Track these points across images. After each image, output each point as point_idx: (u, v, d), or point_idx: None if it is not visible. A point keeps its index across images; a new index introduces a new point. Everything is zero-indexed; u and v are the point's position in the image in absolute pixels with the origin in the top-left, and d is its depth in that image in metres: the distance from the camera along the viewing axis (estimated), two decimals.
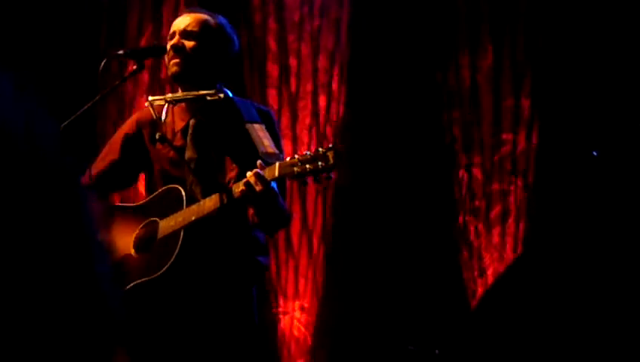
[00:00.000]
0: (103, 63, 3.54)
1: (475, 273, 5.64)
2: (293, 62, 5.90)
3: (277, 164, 3.19)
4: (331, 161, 3.08)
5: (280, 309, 5.80)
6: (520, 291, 5.41)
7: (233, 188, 3.30)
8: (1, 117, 0.96)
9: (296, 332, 5.78)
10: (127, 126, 3.77)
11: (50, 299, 0.96)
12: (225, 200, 3.31)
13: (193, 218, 3.36)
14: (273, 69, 5.91)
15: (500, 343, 5.33)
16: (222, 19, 3.69)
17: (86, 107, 3.51)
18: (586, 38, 5.51)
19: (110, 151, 3.76)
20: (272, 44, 5.92)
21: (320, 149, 3.12)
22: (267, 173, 3.20)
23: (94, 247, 1.02)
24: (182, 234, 3.37)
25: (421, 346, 5.46)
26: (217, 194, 3.33)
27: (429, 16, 5.81)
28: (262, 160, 3.23)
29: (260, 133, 3.36)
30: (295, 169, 3.14)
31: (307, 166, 3.11)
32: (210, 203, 3.35)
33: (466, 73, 5.76)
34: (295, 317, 5.80)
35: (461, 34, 5.80)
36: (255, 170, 3.19)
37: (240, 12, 5.79)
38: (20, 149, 0.97)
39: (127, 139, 3.71)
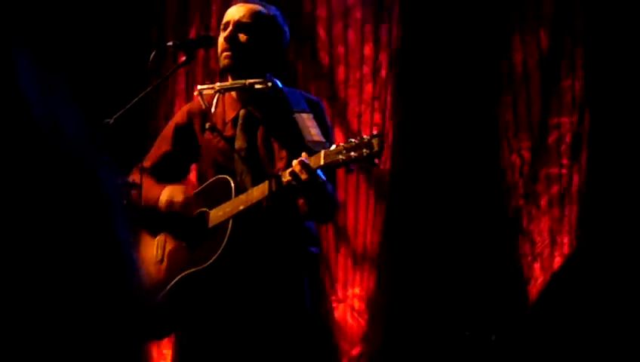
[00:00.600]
0: (152, 55, 3.57)
1: (529, 258, 5.61)
2: (341, 50, 5.90)
3: (322, 152, 3.20)
4: (376, 147, 3.09)
5: (335, 297, 5.81)
6: (579, 283, 5.38)
7: (280, 177, 3.32)
8: (29, 112, 0.98)
9: (351, 320, 5.79)
10: (178, 117, 3.80)
11: (73, 295, 0.97)
12: (272, 189, 3.33)
13: (241, 207, 3.38)
14: (323, 58, 5.92)
15: (557, 334, 5.31)
16: (275, 11, 3.70)
17: (136, 99, 3.54)
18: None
19: (163, 142, 3.78)
20: (322, 32, 5.93)
21: (365, 137, 3.12)
22: (313, 162, 3.22)
23: (124, 248, 1.03)
24: (230, 223, 3.39)
25: (477, 332, 5.45)
26: (265, 183, 3.35)
27: (480, 2, 5.78)
28: (308, 148, 3.25)
29: (307, 122, 3.38)
30: (340, 157, 3.15)
31: (352, 153, 3.12)
32: (258, 192, 3.36)
33: (519, 57, 5.73)
34: (350, 305, 5.81)
35: (513, 17, 5.76)
36: (300, 159, 3.21)
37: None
38: (48, 145, 0.99)
39: (179, 129, 3.73)
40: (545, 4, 5.69)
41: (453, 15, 5.78)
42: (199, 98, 3.67)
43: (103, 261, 1.00)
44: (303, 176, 3.19)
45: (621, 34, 5.49)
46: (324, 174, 3.31)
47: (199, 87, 3.71)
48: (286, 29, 3.70)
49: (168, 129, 3.80)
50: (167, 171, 3.76)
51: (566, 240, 5.56)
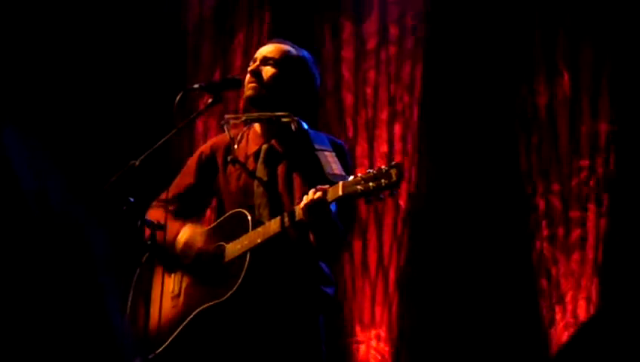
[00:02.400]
0: (179, 97, 3.57)
1: (554, 300, 5.58)
2: (368, 90, 5.92)
3: (340, 183, 3.20)
4: (394, 178, 3.08)
5: (356, 338, 5.79)
6: (601, 343, 5.36)
7: (296, 209, 3.31)
8: (15, 176, 0.99)
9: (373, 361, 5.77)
10: (202, 149, 3.81)
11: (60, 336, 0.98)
12: (287, 222, 3.32)
13: (259, 240, 3.37)
14: (347, 98, 5.94)
15: None
16: (305, 53, 3.72)
17: (162, 141, 3.54)
18: None
19: (185, 175, 3.79)
20: (346, 73, 5.95)
21: (383, 167, 3.11)
22: (331, 193, 3.21)
23: (107, 301, 1.03)
24: (248, 256, 3.38)
25: None
26: (281, 215, 3.34)
27: (503, 43, 5.78)
28: (328, 181, 3.24)
29: (329, 158, 3.38)
30: (358, 187, 3.13)
31: (370, 184, 3.11)
32: (276, 225, 3.36)
33: (543, 100, 5.72)
34: (372, 346, 5.78)
35: (537, 60, 5.76)
36: (317, 188, 3.21)
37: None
38: (31, 208, 0.99)
39: (203, 162, 3.74)
40: (567, 44, 5.70)
41: (476, 56, 5.78)
42: (225, 127, 3.68)
43: (89, 325, 1.00)
44: (316, 207, 3.19)
45: None
46: (343, 208, 3.32)
47: (226, 116, 3.72)
48: (316, 73, 3.70)
49: (191, 162, 3.80)
50: (189, 204, 3.76)
51: (590, 283, 5.53)
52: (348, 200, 3.26)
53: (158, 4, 6.22)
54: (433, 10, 5.93)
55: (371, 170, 3.14)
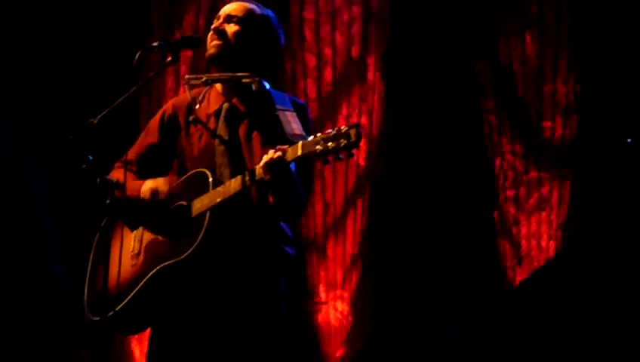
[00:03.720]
0: (137, 56, 3.55)
1: (514, 261, 5.63)
2: (328, 52, 5.92)
3: (300, 143, 3.19)
4: (353, 138, 3.07)
5: (319, 299, 5.82)
6: (557, 285, 5.41)
7: (256, 169, 3.31)
8: None
9: (334, 322, 5.80)
10: (164, 109, 3.79)
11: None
12: (248, 181, 3.32)
13: (219, 199, 3.36)
14: (310, 59, 5.94)
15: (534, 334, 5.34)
16: (269, 12, 3.70)
17: (121, 99, 3.52)
18: (630, 25, 5.48)
19: (148, 134, 3.76)
20: (308, 33, 5.94)
21: (342, 128, 3.12)
22: (290, 152, 3.21)
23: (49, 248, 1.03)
24: (208, 215, 3.38)
25: (460, 334, 5.47)
26: (242, 175, 3.35)
27: (466, 3, 5.80)
28: (288, 141, 3.24)
29: (290, 118, 3.37)
30: (318, 147, 3.13)
31: (329, 144, 3.10)
32: (236, 183, 3.35)
33: (504, 61, 5.75)
34: (334, 307, 5.82)
35: (499, 21, 5.78)
36: (277, 148, 3.21)
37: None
38: None
39: (165, 121, 3.72)
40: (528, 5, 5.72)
41: (438, 18, 5.79)
42: (186, 87, 3.67)
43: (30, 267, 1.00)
44: (276, 166, 3.20)
45: (610, 36, 5.51)
46: (301, 167, 3.32)
47: (187, 76, 3.70)
48: (280, 32, 3.68)
49: (154, 121, 3.78)
50: (152, 164, 3.73)
51: (551, 243, 5.58)
52: (307, 159, 3.26)
53: None
54: None
55: (330, 130, 3.15)
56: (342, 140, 3.11)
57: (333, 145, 3.11)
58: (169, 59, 3.58)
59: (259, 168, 3.29)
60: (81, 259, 3.66)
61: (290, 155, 3.23)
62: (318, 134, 3.17)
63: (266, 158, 3.25)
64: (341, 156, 3.14)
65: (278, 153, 3.23)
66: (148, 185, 3.56)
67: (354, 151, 3.15)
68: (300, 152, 3.20)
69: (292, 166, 3.28)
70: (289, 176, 3.29)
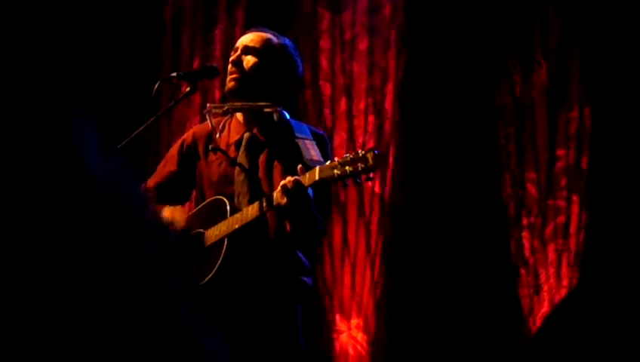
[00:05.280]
0: (156, 86, 3.56)
1: (531, 290, 5.59)
2: (345, 81, 5.93)
3: (317, 167, 3.20)
4: (371, 162, 3.08)
5: (336, 328, 5.79)
6: (580, 317, 5.37)
7: (274, 194, 3.30)
8: (86, 171, 0.97)
9: (352, 351, 5.77)
10: (184, 138, 3.79)
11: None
12: (265, 207, 3.32)
13: (236, 226, 3.36)
14: (325, 88, 5.95)
15: None
16: (287, 41, 3.71)
17: (139, 130, 3.53)
18: None
19: (167, 163, 3.77)
20: (324, 62, 5.95)
21: (360, 151, 3.12)
22: (308, 177, 3.21)
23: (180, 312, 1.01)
24: (226, 242, 3.37)
25: None
26: (259, 201, 3.34)
27: (481, 33, 5.79)
28: (306, 166, 3.24)
29: (308, 145, 3.37)
30: (335, 171, 3.14)
31: (347, 168, 3.11)
32: (253, 210, 3.35)
33: (519, 90, 5.74)
34: (352, 336, 5.79)
35: (514, 50, 5.77)
36: (295, 177, 3.21)
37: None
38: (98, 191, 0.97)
39: (185, 150, 3.72)
40: (544, 35, 5.71)
41: (454, 48, 5.79)
42: (207, 116, 3.68)
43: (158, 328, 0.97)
44: (292, 191, 3.19)
45: (621, 60, 5.50)
46: (319, 194, 3.31)
47: (209, 105, 3.71)
48: (298, 61, 3.69)
49: (174, 150, 3.79)
50: (171, 192, 3.73)
51: (569, 271, 5.55)
52: (325, 184, 3.26)
53: None
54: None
55: (348, 155, 3.15)
56: (359, 164, 3.12)
57: (350, 168, 3.13)
58: (187, 89, 3.60)
59: (276, 193, 3.29)
60: None
61: (307, 180, 3.23)
62: (336, 159, 3.18)
63: (283, 182, 3.25)
64: (359, 180, 3.14)
65: (296, 177, 3.23)
66: (165, 214, 3.56)
67: (371, 175, 3.16)
68: (317, 177, 3.21)
69: (310, 191, 3.28)
70: (307, 200, 3.28)
